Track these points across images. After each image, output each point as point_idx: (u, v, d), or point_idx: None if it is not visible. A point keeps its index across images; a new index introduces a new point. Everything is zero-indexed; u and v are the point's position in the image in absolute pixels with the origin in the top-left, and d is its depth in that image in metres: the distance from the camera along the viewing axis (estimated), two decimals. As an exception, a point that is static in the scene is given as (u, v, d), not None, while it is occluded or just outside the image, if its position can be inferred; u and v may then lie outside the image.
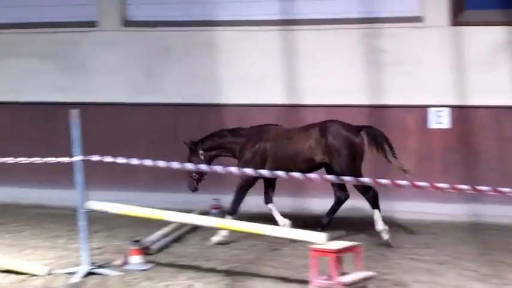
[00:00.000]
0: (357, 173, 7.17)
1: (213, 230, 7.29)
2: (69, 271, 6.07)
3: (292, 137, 7.71)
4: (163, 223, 7.20)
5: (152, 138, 9.92)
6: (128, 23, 10.01)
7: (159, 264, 6.43)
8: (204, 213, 8.36)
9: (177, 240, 7.54)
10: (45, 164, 6.74)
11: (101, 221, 7.58)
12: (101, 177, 8.67)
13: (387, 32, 9.20)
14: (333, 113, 8.60)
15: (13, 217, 8.99)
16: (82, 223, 5.92)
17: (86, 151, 6.05)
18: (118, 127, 9.95)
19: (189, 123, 9.81)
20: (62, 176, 8.55)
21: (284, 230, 6.49)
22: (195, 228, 7.90)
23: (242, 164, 7.55)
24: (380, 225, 7.33)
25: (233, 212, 7.56)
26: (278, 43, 9.66)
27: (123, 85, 9.99)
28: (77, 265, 6.15)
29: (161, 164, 5.96)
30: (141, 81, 9.97)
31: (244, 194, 7.68)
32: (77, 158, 5.88)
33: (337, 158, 7.35)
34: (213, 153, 8.01)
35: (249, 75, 9.57)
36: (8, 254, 6.68)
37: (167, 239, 7.32)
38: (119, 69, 9.98)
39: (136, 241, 6.36)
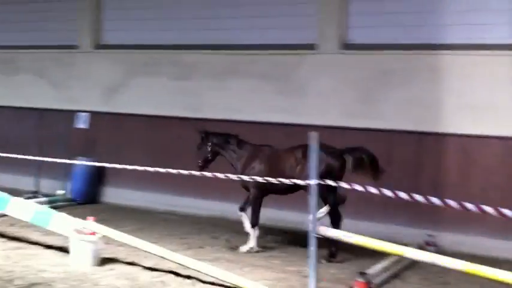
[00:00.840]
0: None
1: (433, 269, 6.82)
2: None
3: (280, 157, 8.25)
4: (380, 255, 6.88)
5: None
6: (348, 46, 9.90)
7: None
8: (421, 248, 7.88)
9: (396, 275, 7.17)
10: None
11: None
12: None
13: None
14: None
15: (234, 232, 9.24)
16: (312, 248, 5.82)
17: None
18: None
19: (404, 150, 9.44)
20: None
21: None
22: (411, 265, 7.48)
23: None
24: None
25: (254, 224, 8.20)
26: (508, 69, 8.89)
27: (337, 108, 9.90)
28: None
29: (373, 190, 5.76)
30: (357, 105, 9.79)
31: (259, 205, 8.26)
32: (314, 181, 5.81)
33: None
34: (218, 150, 8.59)
35: (475, 103, 8.92)
36: (231, 270, 6.85)
37: (387, 274, 6.98)
38: (335, 92, 9.91)
39: (363, 273, 6.11)
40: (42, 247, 7.75)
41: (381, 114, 9.62)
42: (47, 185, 11.78)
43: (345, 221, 8.14)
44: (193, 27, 11.30)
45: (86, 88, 12.18)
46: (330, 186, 6.47)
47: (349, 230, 6.57)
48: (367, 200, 8.52)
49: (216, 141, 8.57)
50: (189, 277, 6.68)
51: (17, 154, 9.08)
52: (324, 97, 9.99)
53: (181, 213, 10.74)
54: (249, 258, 7.88)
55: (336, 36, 9.93)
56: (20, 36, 13.03)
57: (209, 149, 8.57)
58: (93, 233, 7.04)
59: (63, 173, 11.58)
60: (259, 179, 7.25)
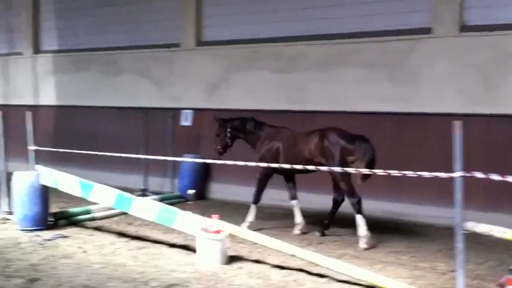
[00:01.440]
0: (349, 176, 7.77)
1: None
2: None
3: (297, 139, 8.37)
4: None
5: (486, 152, 9.12)
6: (465, 28, 9.36)
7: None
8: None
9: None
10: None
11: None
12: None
13: None
14: None
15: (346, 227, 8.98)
16: (459, 245, 5.44)
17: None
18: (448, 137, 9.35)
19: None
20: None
21: None
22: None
23: (260, 159, 8.55)
24: (361, 231, 7.74)
25: (255, 201, 8.71)
26: None
27: (455, 95, 9.38)
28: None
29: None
30: (476, 90, 9.23)
31: (264, 186, 8.67)
32: (458, 174, 5.42)
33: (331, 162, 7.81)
34: (237, 134, 9.00)
35: None
36: (361, 267, 6.56)
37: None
38: (453, 78, 9.39)
39: (514, 271, 5.66)
40: (165, 246, 7.74)
41: (503, 99, 9.02)
42: (155, 182, 11.95)
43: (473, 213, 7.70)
44: (293, 19, 11.09)
45: (188, 85, 12.23)
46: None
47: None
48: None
49: (233, 126, 8.99)
50: (321, 275, 6.45)
51: (125, 153, 9.16)
52: (440, 83, 9.49)
53: (286, 208, 10.54)
54: (375, 254, 7.56)
55: (453, 18, 9.40)
56: (121, 38, 13.28)
57: (229, 135, 9.00)
58: (219, 231, 6.95)
59: (170, 170, 11.70)
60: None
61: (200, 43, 12.19)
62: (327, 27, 10.67)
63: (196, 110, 12.07)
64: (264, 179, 8.66)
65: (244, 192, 11.30)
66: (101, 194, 8.04)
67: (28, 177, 8.38)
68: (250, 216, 8.69)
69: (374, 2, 10.22)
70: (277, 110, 10.95)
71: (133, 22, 13.12)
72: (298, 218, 8.68)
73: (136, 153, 9.93)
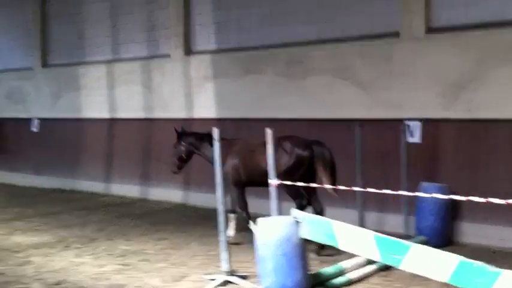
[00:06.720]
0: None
1: None
2: None
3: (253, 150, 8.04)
4: None
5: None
6: None
7: None
8: None
9: None
10: None
11: None
12: None
13: None
14: None
15: None
16: None
17: None
18: None
19: None
20: None
21: None
22: None
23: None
24: None
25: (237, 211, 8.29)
26: None
27: None
28: None
29: None
30: None
31: (242, 200, 8.26)
32: None
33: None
34: (192, 149, 8.81)
35: None
36: None
37: None
38: None
39: None
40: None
41: None
42: (371, 219, 8.85)
43: None
44: None
45: (413, 88, 9.08)
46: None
47: None
48: None
49: (188, 142, 8.82)
50: None
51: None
52: None
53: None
54: None
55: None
56: (309, 29, 10.33)
57: (183, 149, 8.83)
58: None
59: (403, 203, 8.55)
60: None
61: (431, 29, 9.03)
62: None
63: (430, 121, 8.93)
64: (238, 195, 8.32)
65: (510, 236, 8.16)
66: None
67: (283, 227, 5.43)
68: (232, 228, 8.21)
69: None
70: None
71: (325, 8, 10.16)
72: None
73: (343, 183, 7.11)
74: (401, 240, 5.01)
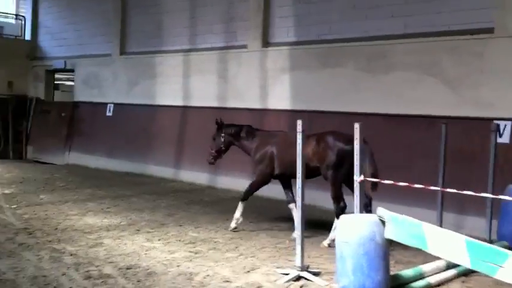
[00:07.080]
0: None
1: None
2: None
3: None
4: None
5: None
6: None
7: None
8: None
9: None
10: None
11: None
12: None
13: None
14: None
15: None
16: None
17: None
18: None
19: None
20: None
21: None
22: None
23: (255, 165, 8.43)
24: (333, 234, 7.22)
25: (244, 199, 8.35)
26: None
27: None
28: None
29: None
30: None
31: (257, 189, 8.43)
32: None
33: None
34: (231, 140, 8.76)
35: None
36: None
37: None
38: None
39: None
40: None
41: None
42: (449, 220, 8.36)
43: None
44: None
45: (507, 85, 8.53)
46: None
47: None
48: None
49: (228, 132, 8.74)
50: None
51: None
52: None
53: None
54: None
55: None
56: (393, 22, 9.92)
57: (222, 140, 8.77)
58: None
59: (487, 206, 8.01)
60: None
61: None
62: None
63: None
64: (258, 185, 8.46)
65: None
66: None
67: (366, 226, 5.11)
68: (238, 213, 8.34)
69: None
70: None
71: (412, 2, 9.72)
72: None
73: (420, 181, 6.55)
74: (499, 247, 4.60)
